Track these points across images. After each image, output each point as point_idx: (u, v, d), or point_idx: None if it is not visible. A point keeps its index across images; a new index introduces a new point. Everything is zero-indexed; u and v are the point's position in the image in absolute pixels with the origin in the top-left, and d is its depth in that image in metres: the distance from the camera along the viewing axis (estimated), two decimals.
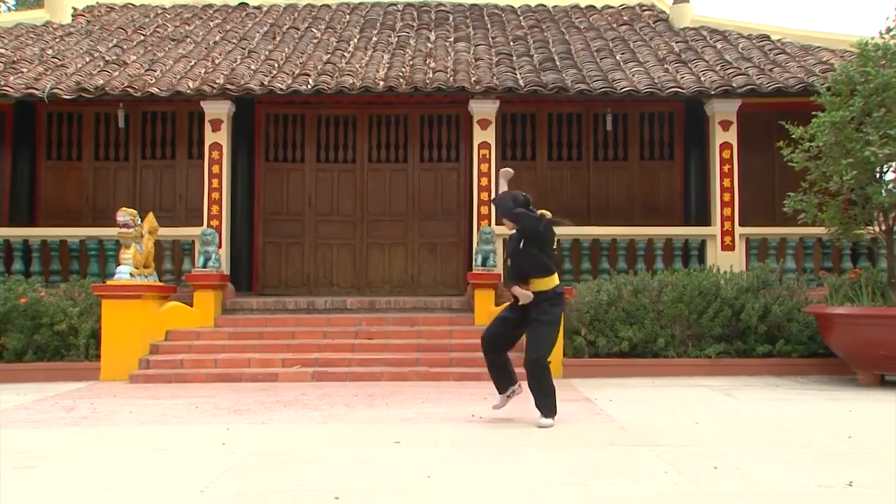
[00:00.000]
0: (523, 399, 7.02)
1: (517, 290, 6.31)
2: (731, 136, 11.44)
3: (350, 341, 9.83)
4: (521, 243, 6.39)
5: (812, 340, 9.61)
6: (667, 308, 9.70)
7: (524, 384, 6.50)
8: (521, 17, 15.12)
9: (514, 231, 6.57)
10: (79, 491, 4.51)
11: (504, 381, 6.62)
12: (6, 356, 9.51)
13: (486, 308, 10.20)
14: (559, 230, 10.62)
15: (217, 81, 11.43)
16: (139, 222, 9.83)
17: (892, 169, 9.35)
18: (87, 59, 12.66)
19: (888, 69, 8.84)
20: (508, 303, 6.60)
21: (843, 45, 12.35)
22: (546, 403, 6.29)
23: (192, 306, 10.34)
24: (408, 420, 6.55)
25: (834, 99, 9.13)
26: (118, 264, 9.81)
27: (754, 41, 13.28)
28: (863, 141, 8.62)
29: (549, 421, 6.23)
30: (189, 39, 13.79)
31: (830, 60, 11.88)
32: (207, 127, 11.56)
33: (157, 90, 11.20)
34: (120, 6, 15.88)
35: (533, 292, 6.28)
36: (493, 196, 6.28)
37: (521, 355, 6.62)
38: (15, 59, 12.50)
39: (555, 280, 6.38)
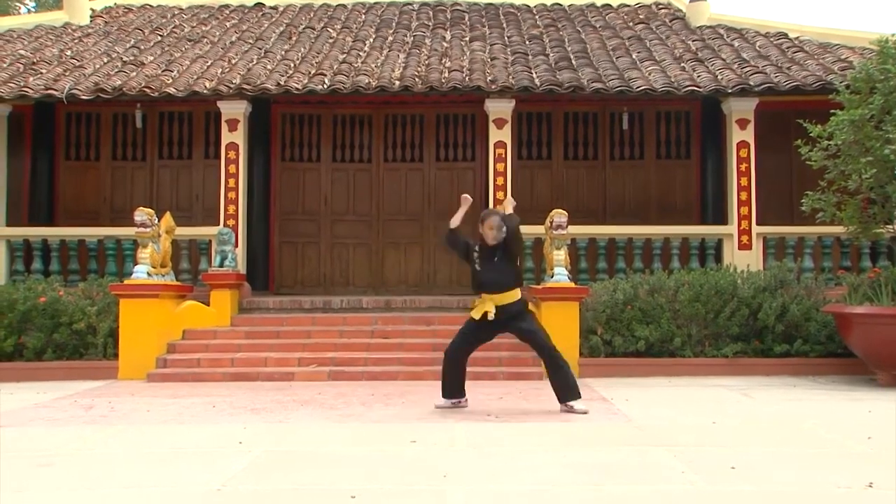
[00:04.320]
0: (538, 398, 7.02)
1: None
2: (749, 135, 11.36)
3: (366, 340, 9.83)
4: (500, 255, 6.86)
5: (830, 340, 9.53)
6: (683, 307, 9.65)
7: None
8: (537, 16, 15.08)
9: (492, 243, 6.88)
10: (96, 489, 4.54)
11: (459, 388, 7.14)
12: (26, 355, 9.58)
13: None
14: (576, 229, 10.69)
15: (233, 81, 11.47)
16: (156, 222, 9.87)
17: None
18: (105, 60, 12.74)
19: None
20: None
21: (863, 43, 12.24)
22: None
23: (208, 305, 10.37)
24: (423, 419, 6.55)
25: (853, 97, 9.05)
26: (136, 264, 9.86)
27: (772, 39, 13.19)
28: (882, 139, 8.54)
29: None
30: (206, 40, 13.85)
31: (849, 58, 11.78)
32: (224, 127, 11.61)
33: (174, 90, 11.25)
34: (137, 7, 15.97)
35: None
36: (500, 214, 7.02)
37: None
38: (34, 60, 12.60)
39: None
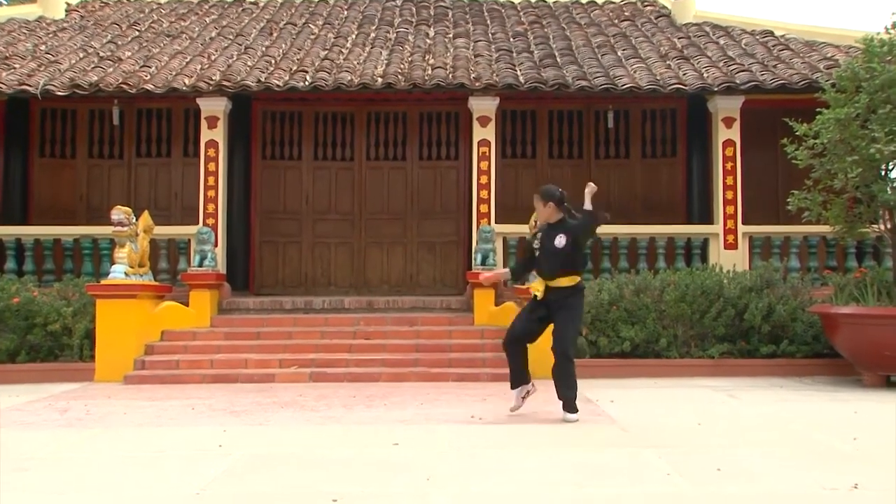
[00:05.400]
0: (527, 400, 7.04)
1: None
2: (734, 134, 11.44)
3: (348, 341, 9.82)
4: (571, 240, 6.50)
5: (816, 341, 9.61)
6: (669, 308, 9.69)
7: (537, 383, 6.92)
8: (522, 13, 15.11)
9: (542, 228, 6.74)
10: (71, 493, 4.50)
11: (517, 378, 6.80)
12: None
13: (486, 308, 10.20)
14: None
15: (213, 78, 11.42)
16: (134, 221, 9.81)
17: None
18: (81, 55, 12.65)
19: (893, 65, 8.83)
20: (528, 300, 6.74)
21: (849, 41, 12.35)
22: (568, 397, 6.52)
23: (187, 306, 10.33)
24: (406, 421, 6.54)
25: (839, 95, 9.11)
26: (113, 263, 9.80)
27: (758, 37, 13.28)
28: (868, 138, 8.61)
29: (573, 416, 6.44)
30: (185, 35, 13.79)
31: (835, 56, 11.88)
32: (203, 124, 11.56)
33: (152, 87, 11.19)
34: (114, 1, 15.87)
35: (562, 287, 6.51)
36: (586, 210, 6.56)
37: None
38: (7, 54, 12.49)
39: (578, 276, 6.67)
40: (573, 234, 6.50)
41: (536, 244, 6.73)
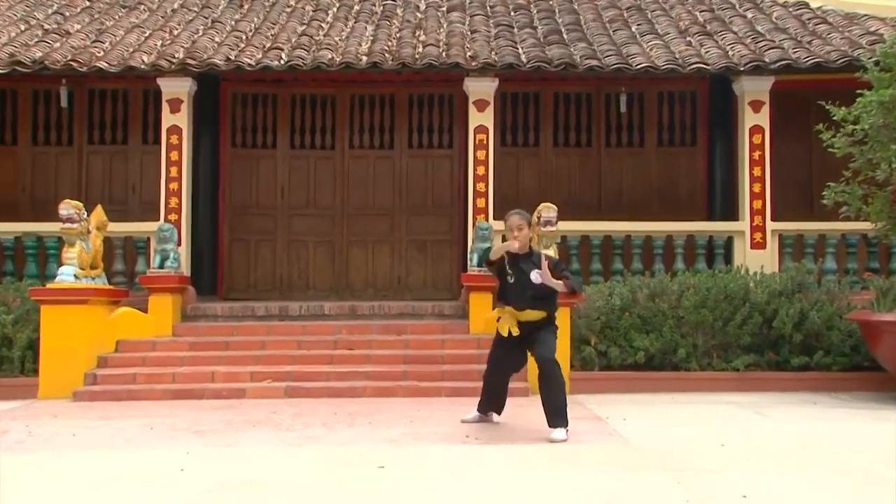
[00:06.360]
0: (524, 416, 7.02)
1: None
2: (763, 119, 11.44)
3: (328, 352, 9.79)
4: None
5: (855, 351, 9.60)
6: (688, 314, 9.69)
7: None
8: None
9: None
10: None
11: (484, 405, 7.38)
12: None
13: (482, 314, 10.17)
14: (567, 225, 10.75)
15: (176, 55, 11.39)
16: (86, 216, 9.76)
17: None
18: (23, 28, 12.61)
19: None
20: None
21: (894, 13, 12.34)
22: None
23: (146, 313, 10.29)
24: (394, 441, 6.53)
25: (883, 75, 9.11)
26: (61, 264, 9.74)
27: (791, 9, 13.31)
28: None
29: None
30: (143, 6, 13.77)
31: (879, 30, 11.90)
32: (165, 108, 11.53)
33: (105, 64, 11.15)
34: None
35: (532, 321, 6.90)
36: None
37: None
38: None
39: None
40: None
41: (510, 273, 6.91)
